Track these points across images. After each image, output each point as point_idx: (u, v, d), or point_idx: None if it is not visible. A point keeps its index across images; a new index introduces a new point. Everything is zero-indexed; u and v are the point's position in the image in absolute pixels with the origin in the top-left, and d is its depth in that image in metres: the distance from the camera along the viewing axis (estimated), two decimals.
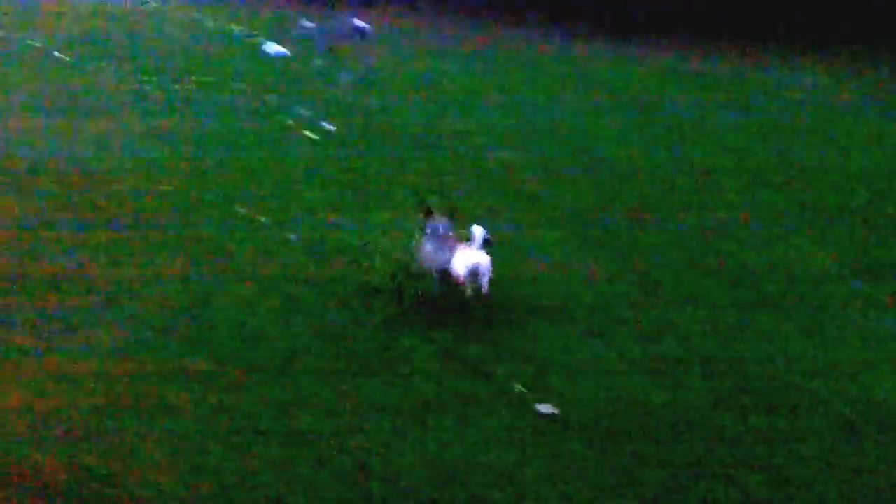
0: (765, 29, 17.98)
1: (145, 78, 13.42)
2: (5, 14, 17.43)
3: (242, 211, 7.91)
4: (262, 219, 7.77)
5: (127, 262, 6.81)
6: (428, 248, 6.75)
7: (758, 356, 5.87)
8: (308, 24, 15.46)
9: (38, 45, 15.12)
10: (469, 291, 6.37)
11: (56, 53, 14.75)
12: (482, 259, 6.45)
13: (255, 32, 16.72)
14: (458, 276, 6.48)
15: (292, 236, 7.40)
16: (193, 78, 13.52)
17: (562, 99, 14.15)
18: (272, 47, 16.20)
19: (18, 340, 5.55)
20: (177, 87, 13.09)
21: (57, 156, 9.53)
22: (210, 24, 17.66)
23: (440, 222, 6.89)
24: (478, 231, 6.68)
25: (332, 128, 11.14)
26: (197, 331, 5.84)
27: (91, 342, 5.59)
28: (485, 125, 12.10)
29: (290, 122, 11.41)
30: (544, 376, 5.43)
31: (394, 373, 5.45)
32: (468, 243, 6.56)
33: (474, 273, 6.40)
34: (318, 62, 14.93)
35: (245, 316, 6.06)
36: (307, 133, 10.85)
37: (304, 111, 11.93)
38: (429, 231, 6.82)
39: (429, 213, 7.00)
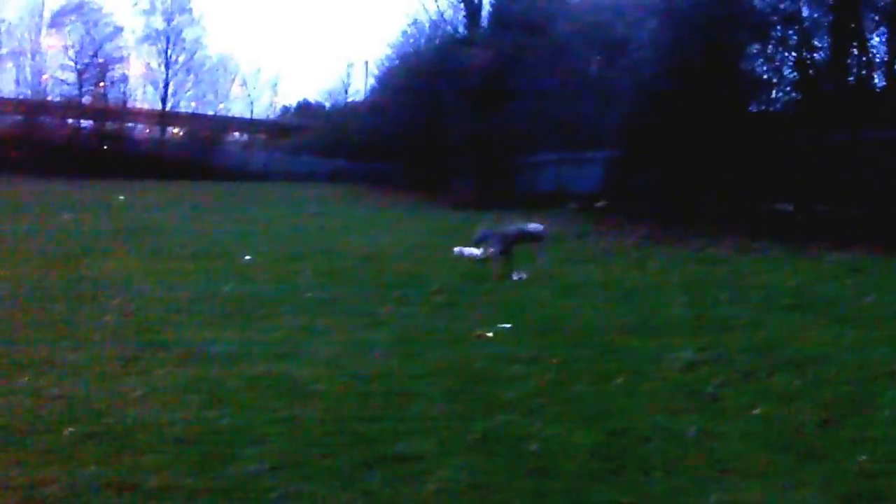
0: None
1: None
2: None
3: None
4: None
5: None
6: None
7: None
8: (482, 228, 15.85)
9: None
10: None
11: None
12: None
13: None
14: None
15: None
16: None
17: (738, 297, 13.71)
18: (466, 249, 17.19)
19: None
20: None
21: None
22: None
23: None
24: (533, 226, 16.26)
25: (507, 326, 11.03)
26: None
27: None
28: (661, 321, 11.67)
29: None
30: None
31: None
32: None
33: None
34: (495, 263, 15.48)
35: None
36: (481, 332, 10.70)
37: (478, 309, 12.09)
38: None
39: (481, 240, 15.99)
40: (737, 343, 10.27)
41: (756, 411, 7.43)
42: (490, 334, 10.55)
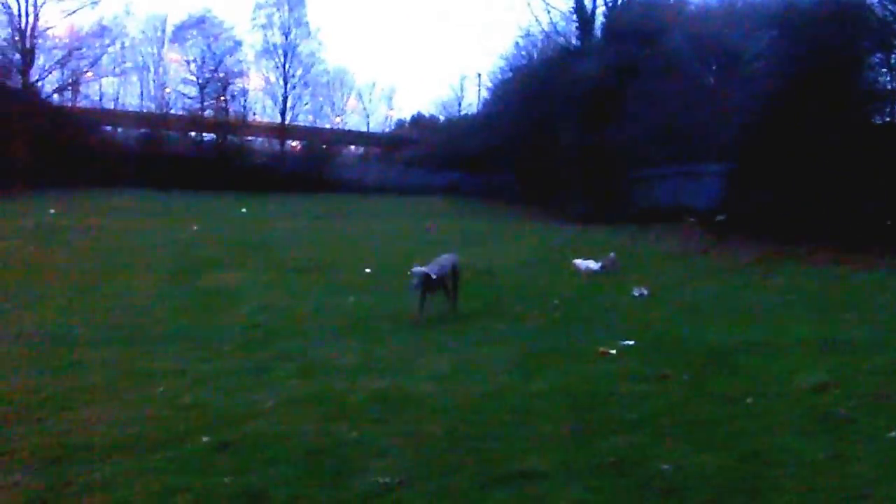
0: None
1: None
2: None
3: None
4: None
5: None
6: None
7: None
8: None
9: None
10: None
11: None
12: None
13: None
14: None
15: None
16: None
17: (866, 317, 13.27)
18: (583, 263, 17.12)
19: None
20: None
21: None
22: None
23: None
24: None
25: (630, 343, 10.92)
26: None
27: None
28: (787, 341, 11.35)
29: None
30: None
31: None
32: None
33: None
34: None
35: None
36: (605, 348, 10.62)
37: (597, 325, 12.00)
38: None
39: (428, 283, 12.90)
40: (867, 364, 9.92)
41: (892, 434, 7.18)
42: (613, 351, 10.45)
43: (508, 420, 7.64)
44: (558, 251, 23.16)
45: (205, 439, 6.92)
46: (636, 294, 15.02)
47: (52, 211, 33.49)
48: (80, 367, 9.43)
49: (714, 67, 40.92)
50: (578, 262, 18.11)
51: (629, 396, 8.44)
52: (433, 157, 65.10)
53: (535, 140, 47.88)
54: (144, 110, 67.16)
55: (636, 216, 34.66)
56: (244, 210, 39.53)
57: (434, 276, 13.16)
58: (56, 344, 10.64)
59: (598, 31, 51.93)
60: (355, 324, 12.37)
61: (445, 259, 13.98)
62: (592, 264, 17.86)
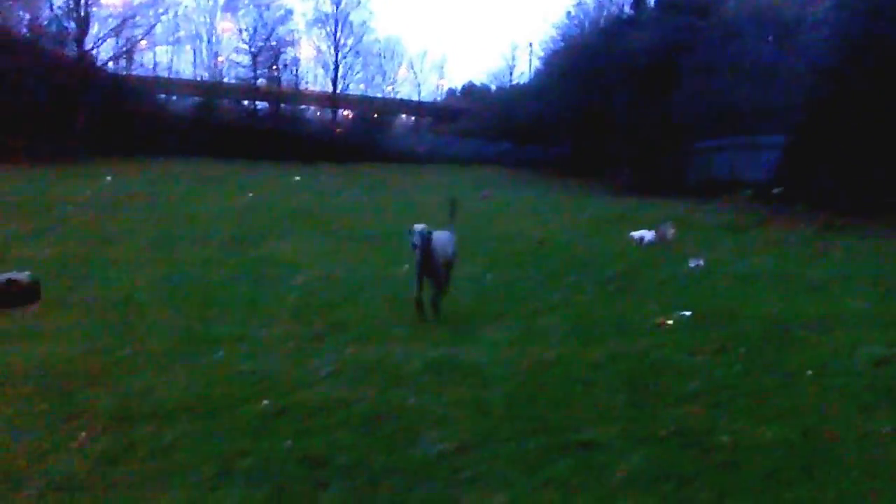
0: None
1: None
2: None
3: None
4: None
5: None
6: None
7: None
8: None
9: None
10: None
11: None
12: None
13: None
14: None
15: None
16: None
17: None
18: (638, 234, 17.12)
19: None
20: None
21: None
22: None
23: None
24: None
25: (687, 313, 10.86)
26: None
27: None
28: (848, 315, 11.17)
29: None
30: None
31: None
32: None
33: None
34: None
35: None
36: (662, 318, 10.60)
37: (652, 296, 11.94)
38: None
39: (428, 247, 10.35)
40: None
41: None
42: (670, 321, 10.40)
43: (567, 389, 7.63)
44: (612, 222, 23.03)
45: (265, 402, 7.01)
46: (692, 265, 14.92)
47: (109, 178, 33.93)
48: (142, 332, 9.59)
49: (770, 38, 40.28)
50: (634, 233, 18.10)
51: (687, 368, 8.40)
52: (484, 127, 64.82)
53: (588, 111, 47.54)
54: (198, 79, 67.62)
55: (692, 188, 34.33)
56: (297, 178, 39.76)
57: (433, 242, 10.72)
58: (119, 310, 10.83)
59: (651, 0, 51.45)
60: (410, 293, 12.39)
61: (445, 238, 11.50)
62: (647, 233, 17.84)
